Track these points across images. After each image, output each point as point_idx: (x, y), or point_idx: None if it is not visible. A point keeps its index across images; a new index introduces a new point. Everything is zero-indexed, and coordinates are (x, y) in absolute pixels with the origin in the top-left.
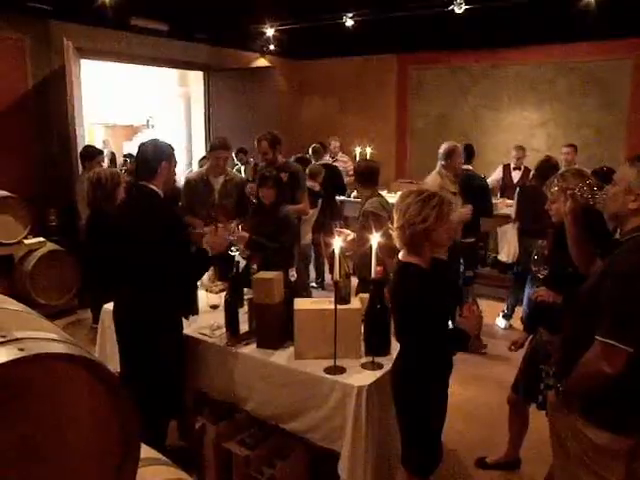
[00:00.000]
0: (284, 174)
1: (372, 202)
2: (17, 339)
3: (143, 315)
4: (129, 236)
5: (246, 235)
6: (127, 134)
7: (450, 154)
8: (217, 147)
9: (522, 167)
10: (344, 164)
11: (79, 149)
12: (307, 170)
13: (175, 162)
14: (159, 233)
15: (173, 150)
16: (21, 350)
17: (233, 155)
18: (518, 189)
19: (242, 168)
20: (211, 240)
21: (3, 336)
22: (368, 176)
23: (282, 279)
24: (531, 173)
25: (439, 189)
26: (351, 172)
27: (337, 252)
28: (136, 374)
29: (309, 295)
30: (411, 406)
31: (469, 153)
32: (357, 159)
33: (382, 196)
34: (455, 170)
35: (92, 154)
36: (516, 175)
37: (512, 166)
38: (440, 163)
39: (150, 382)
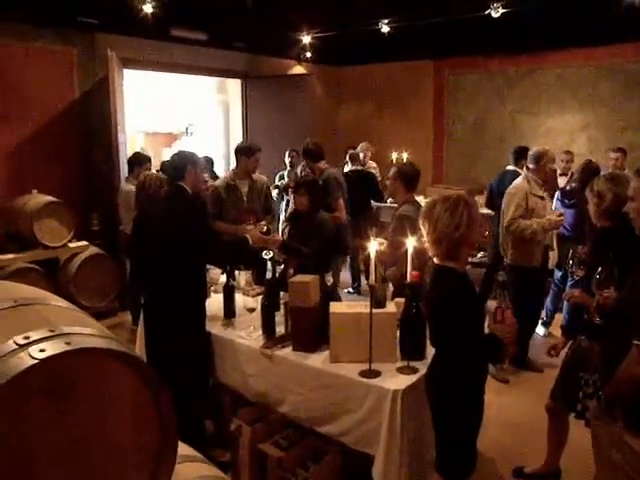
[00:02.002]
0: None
1: (407, 208)
2: (65, 334)
3: (172, 305)
4: (167, 228)
5: (279, 239)
6: (167, 141)
7: (540, 158)
8: (258, 149)
9: (569, 173)
10: (375, 172)
11: (121, 156)
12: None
13: (201, 168)
14: (193, 223)
15: (197, 157)
16: (68, 344)
17: (286, 156)
18: (558, 193)
19: (297, 170)
20: (253, 232)
21: (52, 330)
22: (411, 180)
23: (318, 283)
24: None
25: (526, 195)
26: (380, 179)
27: (372, 256)
28: (161, 365)
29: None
30: (446, 411)
31: (519, 155)
32: (393, 164)
33: (418, 203)
34: (545, 174)
35: (141, 160)
36: (562, 181)
37: (558, 172)
38: (528, 167)
39: (175, 373)
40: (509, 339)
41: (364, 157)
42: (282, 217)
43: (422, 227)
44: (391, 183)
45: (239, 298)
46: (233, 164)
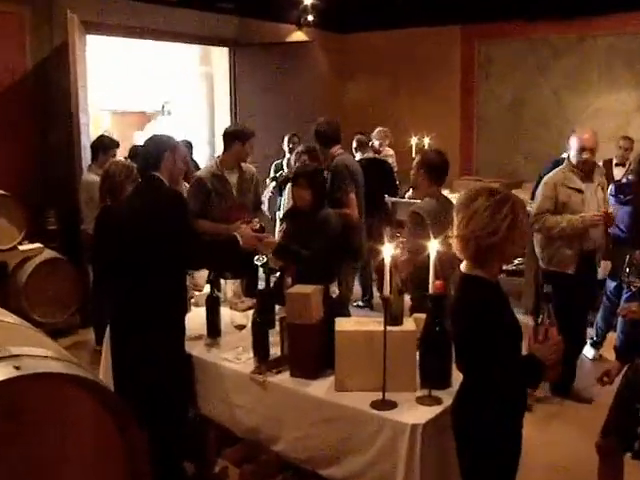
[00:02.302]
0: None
1: (423, 203)
2: (13, 356)
3: (144, 321)
4: (137, 228)
5: (274, 240)
6: (138, 123)
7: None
8: (252, 134)
9: (627, 163)
10: (392, 159)
11: (83, 140)
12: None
13: (181, 155)
14: (169, 220)
15: (177, 143)
16: (17, 368)
17: (285, 143)
18: (612, 187)
19: (291, 159)
20: (243, 230)
21: None
22: (437, 170)
23: (321, 294)
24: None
25: (556, 186)
26: (396, 169)
27: (387, 262)
28: (130, 394)
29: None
30: (477, 450)
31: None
32: (413, 152)
33: (444, 197)
34: (589, 165)
35: (107, 145)
36: (619, 172)
37: (615, 161)
38: (568, 155)
39: (148, 404)
40: (552, 361)
41: (380, 146)
42: (280, 216)
43: (455, 217)
44: (414, 173)
45: (225, 313)
46: (218, 150)
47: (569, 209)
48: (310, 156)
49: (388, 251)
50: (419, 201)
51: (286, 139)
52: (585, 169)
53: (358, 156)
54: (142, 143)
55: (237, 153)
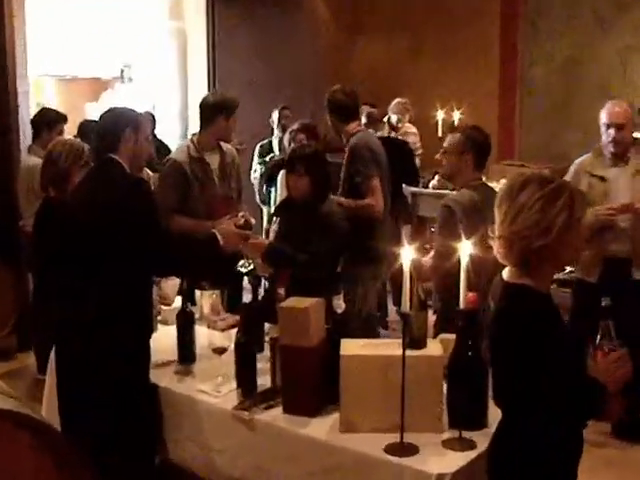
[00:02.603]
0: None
1: (459, 195)
2: None
3: (98, 343)
4: (88, 227)
5: (263, 241)
6: (91, 92)
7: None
8: (237, 105)
9: None
10: (414, 138)
11: (22, 113)
12: None
13: (145, 133)
14: (130, 216)
15: (141, 118)
16: None
17: (274, 118)
18: None
19: (284, 138)
20: (224, 226)
21: None
22: (484, 152)
23: (322, 309)
24: None
25: (577, 172)
26: (420, 151)
27: (407, 269)
28: (81, 435)
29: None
30: None
31: None
32: (439, 129)
33: (486, 186)
34: (619, 146)
35: (52, 120)
36: None
37: None
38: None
39: (103, 447)
40: (616, 382)
41: (398, 122)
42: (270, 211)
43: (496, 213)
44: (455, 158)
45: (201, 332)
46: (193, 126)
47: (589, 202)
48: (308, 134)
49: (408, 255)
50: (449, 192)
51: (275, 114)
52: (617, 151)
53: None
54: (96, 118)
55: (219, 130)
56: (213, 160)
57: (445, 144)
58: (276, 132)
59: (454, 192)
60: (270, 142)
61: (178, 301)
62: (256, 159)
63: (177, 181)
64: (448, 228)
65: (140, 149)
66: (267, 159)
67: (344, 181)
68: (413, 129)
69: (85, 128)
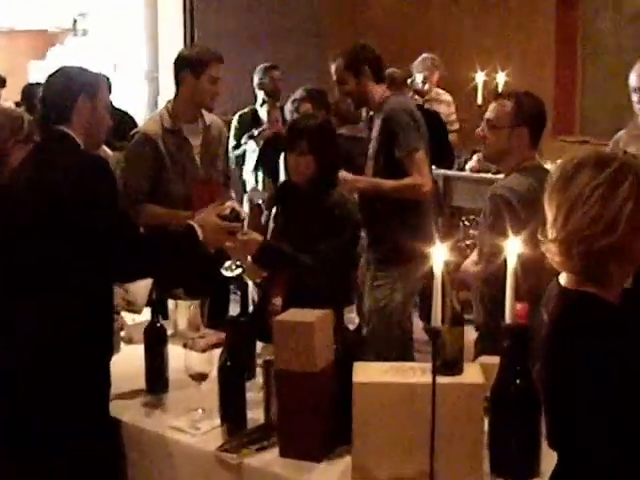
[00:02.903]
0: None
1: (512, 181)
2: None
3: (42, 368)
4: (31, 217)
5: (256, 238)
6: (36, 47)
7: None
8: (216, 59)
9: None
10: (447, 108)
11: None
12: None
13: (105, 100)
14: (85, 204)
15: (101, 80)
16: None
17: (256, 80)
18: None
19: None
20: (205, 216)
21: None
22: (540, 124)
23: (330, 324)
24: None
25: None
26: (456, 125)
27: (438, 274)
28: None
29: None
30: None
31: None
32: (479, 96)
33: (542, 169)
34: None
35: None
36: None
37: None
38: None
39: None
40: None
41: (424, 83)
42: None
43: (546, 208)
44: (503, 133)
45: (176, 353)
46: (165, 93)
47: None
48: (316, 103)
49: (440, 255)
50: (492, 176)
51: (258, 74)
52: None
53: None
54: (43, 80)
55: (190, 93)
56: (193, 134)
57: (488, 114)
58: (260, 98)
59: (500, 177)
60: (253, 111)
61: (147, 314)
62: (233, 133)
63: (146, 160)
64: (502, 224)
65: (98, 120)
66: (255, 134)
67: (376, 158)
68: (446, 96)
69: (29, 93)
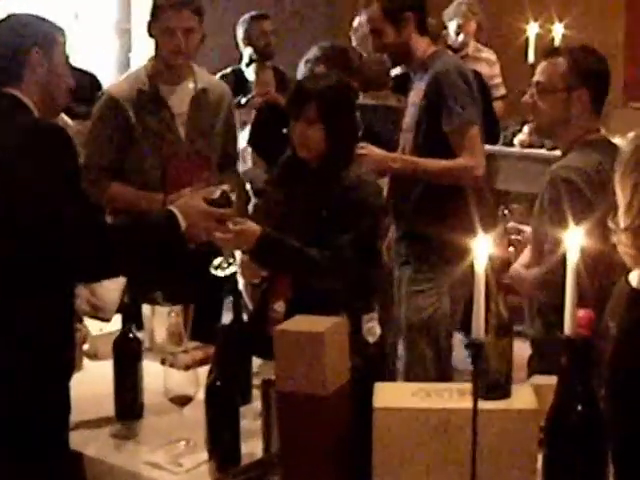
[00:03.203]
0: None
1: (573, 159)
2: None
3: None
4: None
5: (252, 229)
6: None
7: None
8: (163, 4)
9: None
10: (489, 69)
11: None
12: None
13: (62, 55)
14: (36, 186)
15: (57, 31)
16: None
17: (239, 34)
18: None
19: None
20: (188, 199)
21: None
22: (602, 86)
23: (346, 336)
24: None
25: None
26: (502, 90)
27: (481, 274)
28: None
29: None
30: None
31: None
32: (531, 53)
33: (607, 142)
34: None
35: None
36: None
37: None
38: None
39: None
40: None
41: (458, 34)
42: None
43: (617, 191)
44: (556, 98)
45: (152, 371)
46: (139, 48)
47: None
48: (336, 65)
49: (484, 251)
50: (547, 152)
51: (242, 25)
52: None
53: None
54: None
55: (169, 45)
56: (178, 99)
57: (538, 76)
58: (246, 56)
59: (557, 153)
60: (236, 72)
61: (116, 322)
62: None
63: (112, 128)
64: (566, 215)
65: (55, 81)
66: (242, 101)
67: (416, 129)
68: (487, 53)
69: None
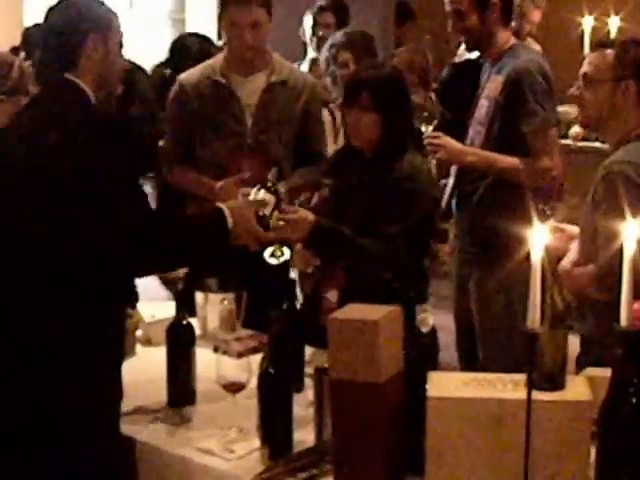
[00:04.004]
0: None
1: (625, 153)
2: None
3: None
4: (21, 192)
5: (308, 216)
6: None
7: None
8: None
9: None
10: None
11: None
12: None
13: (118, 41)
14: (96, 178)
15: (113, 16)
16: None
17: (306, 28)
18: None
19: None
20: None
21: None
22: None
23: (400, 324)
24: None
25: None
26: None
27: (537, 265)
28: None
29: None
30: None
31: None
32: (585, 46)
33: None
34: None
35: None
36: None
37: None
38: None
39: None
40: None
41: (520, 27)
42: None
43: None
44: (603, 91)
45: (205, 359)
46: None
47: None
48: (358, 52)
49: (539, 241)
50: (600, 145)
51: (308, 19)
52: None
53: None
54: (47, 20)
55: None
56: (248, 89)
57: (584, 68)
58: (310, 51)
59: (618, 152)
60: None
61: (169, 309)
62: None
63: (179, 114)
64: (621, 209)
65: (110, 66)
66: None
67: (490, 124)
68: (534, 45)
69: (31, 37)
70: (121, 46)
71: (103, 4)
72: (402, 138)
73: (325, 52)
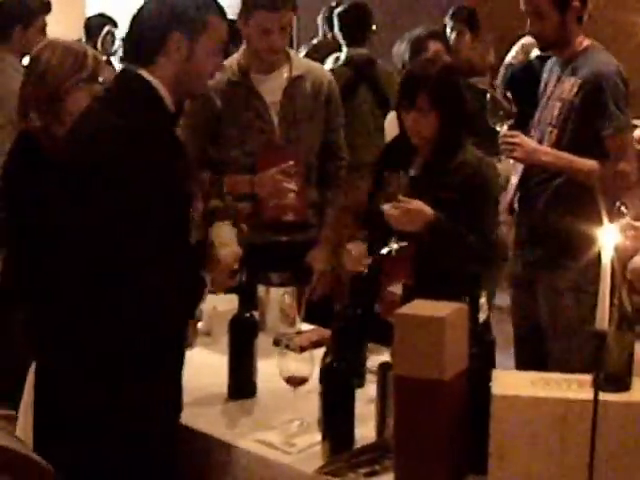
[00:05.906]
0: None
1: None
2: None
3: (93, 363)
4: (95, 187)
5: (424, 210)
6: None
7: None
8: (271, 3)
9: None
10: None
11: None
12: None
13: (214, 39)
14: (149, 184)
15: (216, 15)
16: None
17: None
18: None
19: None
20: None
21: None
22: None
23: (465, 321)
24: None
25: None
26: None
27: (607, 264)
28: None
29: None
30: None
31: None
32: None
33: None
34: None
35: (30, 11)
36: None
37: None
38: None
39: None
40: None
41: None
42: None
43: None
44: None
45: (266, 352)
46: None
47: None
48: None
49: (609, 240)
50: None
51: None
52: None
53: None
54: (138, 11)
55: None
56: (270, 86)
57: None
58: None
59: None
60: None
61: (230, 301)
62: None
63: (202, 118)
64: None
65: (193, 69)
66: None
67: (563, 127)
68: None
69: (92, 27)
70: (221, 49)
71: (205, 2)
72: (459, 133)
73: (406, 46)
